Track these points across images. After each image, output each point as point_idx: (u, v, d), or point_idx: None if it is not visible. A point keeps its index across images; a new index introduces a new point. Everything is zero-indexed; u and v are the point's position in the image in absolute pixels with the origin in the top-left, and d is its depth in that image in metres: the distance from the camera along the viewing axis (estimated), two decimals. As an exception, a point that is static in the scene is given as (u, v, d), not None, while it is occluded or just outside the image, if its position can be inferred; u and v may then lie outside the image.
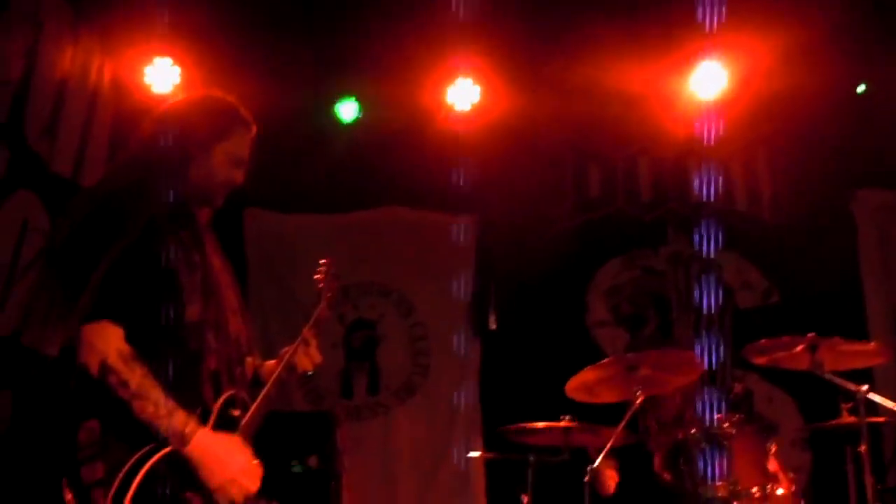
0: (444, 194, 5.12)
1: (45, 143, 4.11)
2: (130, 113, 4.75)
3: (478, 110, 5.21)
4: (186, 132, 2.25)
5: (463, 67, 5.14)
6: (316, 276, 2.49)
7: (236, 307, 2.25)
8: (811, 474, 4.97)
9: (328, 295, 2.47)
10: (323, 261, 2.52)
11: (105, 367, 1.96)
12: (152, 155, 2.24)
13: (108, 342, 1.98)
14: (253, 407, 2.17)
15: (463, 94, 5.15)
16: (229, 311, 2.20)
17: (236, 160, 2.30)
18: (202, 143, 2.24)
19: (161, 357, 2.04)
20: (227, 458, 2.03)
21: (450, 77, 5.14)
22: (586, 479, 3.18)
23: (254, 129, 2.34)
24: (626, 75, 5.10)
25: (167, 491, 1.93)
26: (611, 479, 3.85)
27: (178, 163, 2.22)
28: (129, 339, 2.01)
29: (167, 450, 1.97)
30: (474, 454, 4.94)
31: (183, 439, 1.98)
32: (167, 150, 2.23)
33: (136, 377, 1.97)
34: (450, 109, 5.18)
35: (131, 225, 2.06)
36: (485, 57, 5.02)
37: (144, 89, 4.83)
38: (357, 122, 5.29)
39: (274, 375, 2.26)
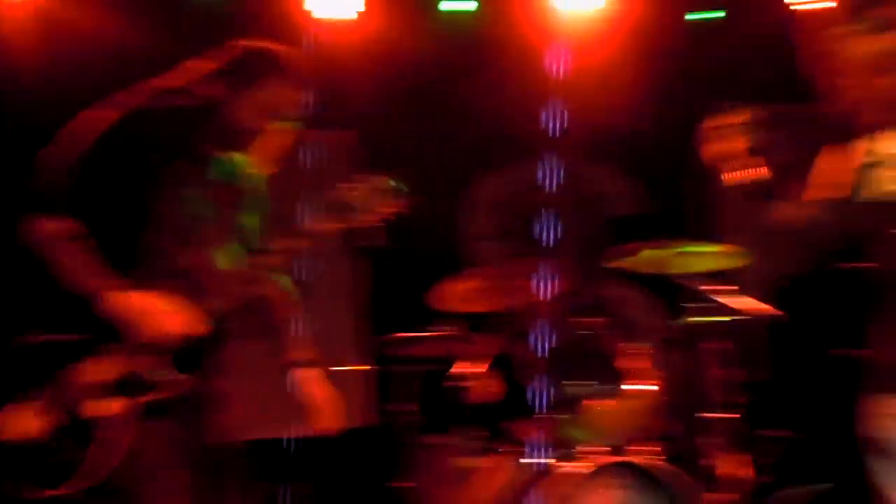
0: (322, 109, 5.01)
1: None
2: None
3: (359, 22, 5.11)
4: (215, 79, 2.38)
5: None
6: None
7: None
8: (671, 372, 5.29)
9: None
10: None
11: None
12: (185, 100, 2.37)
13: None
14: None
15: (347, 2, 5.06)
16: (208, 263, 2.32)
17: (266, 109, 2.40)
18: (230, 90, 2.36)
19: None
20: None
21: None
22: (464, 385, 3.30)
23: (294, 80, 2.46)
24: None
25: None
26: (493, 388, 4.00)
27: (205, 109, 2.36)
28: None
29: None
30: (359, 368, 5.01)
31: None
32: (197, 97, 2.36)
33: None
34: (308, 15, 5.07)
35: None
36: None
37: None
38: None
39: None
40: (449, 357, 3.84)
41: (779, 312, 3.56)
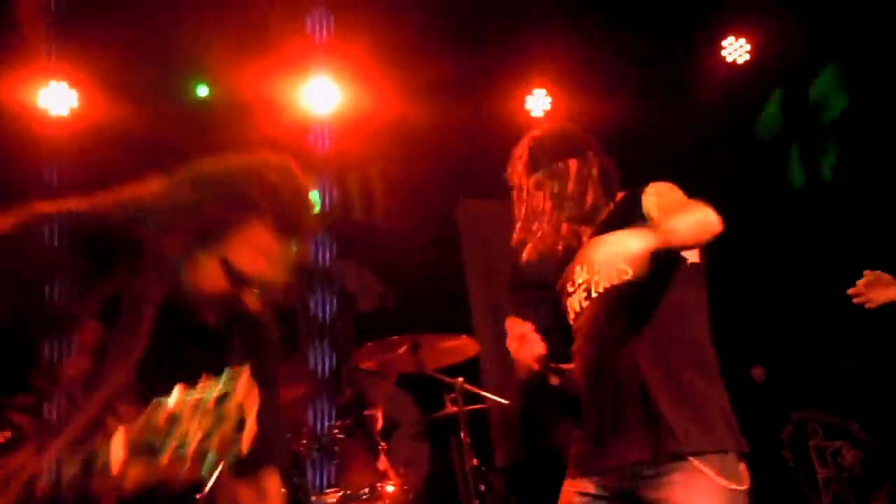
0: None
1: None
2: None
3: (76, 117, 4.86)
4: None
5: (55, 71, 4.79)
6: None
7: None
8: (430, 464, 5.32)
9: None
10: None
11: None
12: None
13: None
14: None
15: (59, 98, 4.78)
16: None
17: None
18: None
19: None
20: None
21: (40, 81, 4.73)
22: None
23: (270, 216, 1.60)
24: (238, 86, 5.06)
25: None
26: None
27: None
28: None
29: None
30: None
31: None
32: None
33: None
34: (44, 114, 4.76)
35: None
36: (79, 61, 4.68)
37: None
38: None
39: None
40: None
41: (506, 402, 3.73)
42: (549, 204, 2.30)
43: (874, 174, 4.88)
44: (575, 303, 2.29)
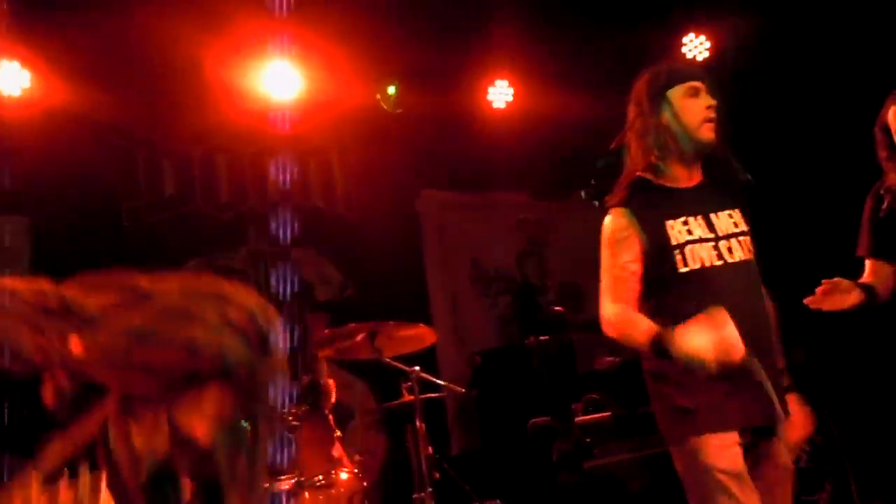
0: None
1: None
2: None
3: (28, 98, 4.71)
4: None
5: (6, 50, 4.64)
6: None
7: None
8: (387, 453, 5.30)
9: None
10: None
11: None
12: None
13: None
14: None
15: (11, 78, 4.65)
16: None
17: None
18: None
19: None
20: None
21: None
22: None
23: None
24: (197, 70, 4.97)
25: None
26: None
27: None
28: None
29: None
30: None
31: None
32: None
33: None
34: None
35: None
36: (33, 40, 4.55)
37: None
38: None
39: None
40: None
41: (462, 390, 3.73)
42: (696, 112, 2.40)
43: (821, 170, 4.99)
44: (703, 254, 2.32)
